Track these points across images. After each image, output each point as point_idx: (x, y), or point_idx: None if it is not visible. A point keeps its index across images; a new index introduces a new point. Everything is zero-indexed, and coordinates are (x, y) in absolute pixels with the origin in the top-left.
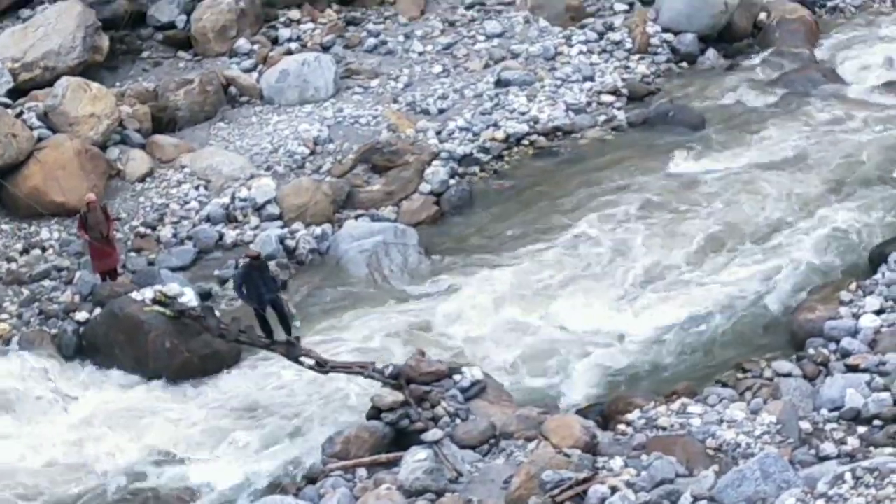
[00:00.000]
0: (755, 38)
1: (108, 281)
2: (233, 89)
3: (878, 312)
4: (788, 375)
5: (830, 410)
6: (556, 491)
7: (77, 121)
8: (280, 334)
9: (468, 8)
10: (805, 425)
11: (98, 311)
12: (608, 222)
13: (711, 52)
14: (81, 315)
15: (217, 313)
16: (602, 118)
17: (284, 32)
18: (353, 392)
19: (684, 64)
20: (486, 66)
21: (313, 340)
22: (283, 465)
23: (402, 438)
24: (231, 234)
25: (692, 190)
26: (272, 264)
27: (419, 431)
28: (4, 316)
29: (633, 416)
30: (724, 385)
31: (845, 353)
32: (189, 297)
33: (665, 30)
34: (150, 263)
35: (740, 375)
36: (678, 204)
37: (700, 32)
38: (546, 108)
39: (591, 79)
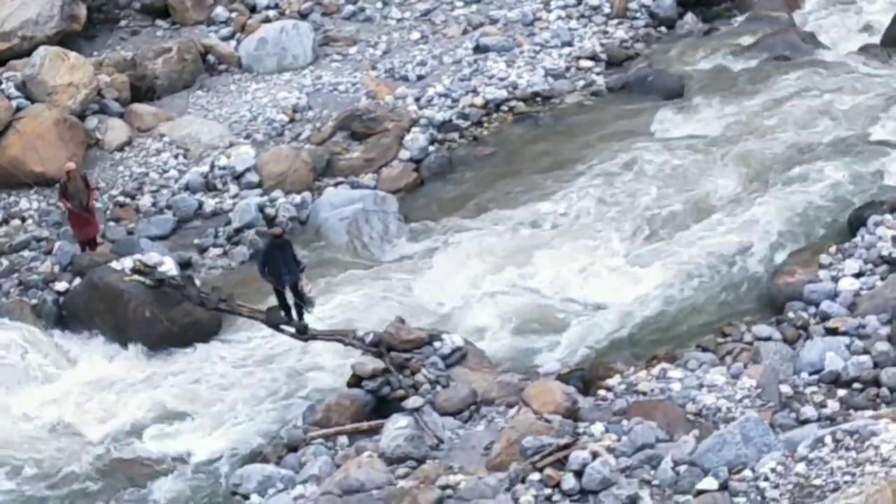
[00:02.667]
0: (734, 1)
1: (88, 250)
2: (211, 57)
3: (858, 275)
4: (768, 339)
5: (810, 374)
6: (536, 457)
7: (55, 90)
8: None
9: None
10: (785, 389)
11: (78, 281)
12: (587, 188)
13: (690, 17)
14: (61, 285)
15: (197, 282)
16: (581, 83)
17: (262, 0)
18: (334, 360)
19: (663, 28)
20: (465, 32)
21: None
22: (264, 433)
23: (383, 406)
24: (210, 203)
25: (672, 154)
26: (251, 232)
27: (400, 399)
28: None
29: (614, 381)
30: (705, 350)
31: (825, 317)
32: (169, 266)
33: None
34: (130, 233)
35: (720, 340)
36: (658, 169)
37: None
38: (525, 73)
39: (570, 44)
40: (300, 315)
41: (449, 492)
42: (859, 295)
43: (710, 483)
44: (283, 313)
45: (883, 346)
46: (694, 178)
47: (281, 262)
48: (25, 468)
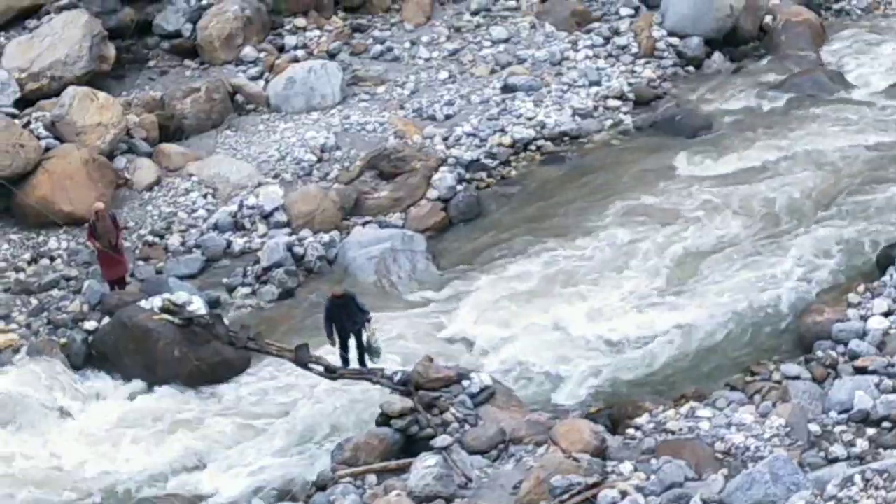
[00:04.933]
0: (761, 41)
1: (117, 290)
2: (239, 97)
3: (887, 314)
4: (797, 378)
5: (839, 413)
6: (565, 496)
7: (84, 130)
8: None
9: (474, 14)
10: (814, 428)
11: (107, 320)
12: (616, 227)
13: (717, 56)
14: (90, 324)
15: (226, 321)
16: (609, 122)
17: (291, 40)
18: (363, 399)
19: (690, 68)
20: (493, 71)
21: (322, 348)
22: (293, 472)
23: (412, 445)
24: (239, 242)
25: (700, 193)
26: (280, 272)
27: (428, 437)
28: (13, 326)
29: (642, 420)
30: (733, 388)
31: (854, 356)
32: (198, 305)
33: (671, 34)
34: (159, 272)
35: (749, 378)
36: (686, 208)
37: (706, 36)
38: (553, 112)
39: (598, 83)
40: (360, 360)
41: None
42: (888, 334)
43: None
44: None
45: None
46: (722, 216)
47: (344, 319)
48: None
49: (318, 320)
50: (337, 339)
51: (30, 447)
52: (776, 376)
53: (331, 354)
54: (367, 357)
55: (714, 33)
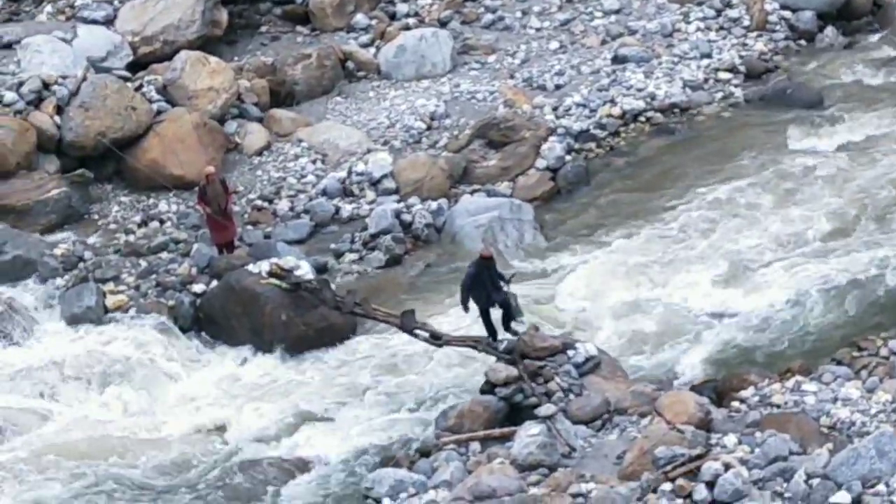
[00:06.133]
0: (875, 15)
1: (225, 253)
2: (350, 64)
3: None
4: None
5: None
6: (669, 467)
7: (196, 94)
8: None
9: None
10: None
11: (214, 283)
12: (724, 199)
13: (830, 30)
14: (198, 287)
15: (332, 286)
16: (719, 95)
17: (402, 7)
18: (467, 366)
19: (802, 41)
20: (604, 42)
21: (428, 314)
22: (397, 437)
23: (516, 413)
24: (347, 208)
25: (809, 167)
26: (387, 238)
27: (533, 406)
28: (122, 287)
29: (748, 393)
30: (839, 363)
31: None
32: (305, 270)
33: (783, 7)
34: (267, 236)
35: (856, 353)
36: (794, 181)
37: (818, 10)
38: (663, 84)
39: (709, 56)
40: (506, 326)
41: (580, 500)
42: None
43: (843, 497)
44: (489, 335)
45: None
46: (831, 190)
47: (489, 283)
48: (159, 467)
49: (426, 288)
50: (476, 306)
51: (137, 408)
52: (883, 352)
53: (436, 320)
54: (512, 320)
55: (827, 7)
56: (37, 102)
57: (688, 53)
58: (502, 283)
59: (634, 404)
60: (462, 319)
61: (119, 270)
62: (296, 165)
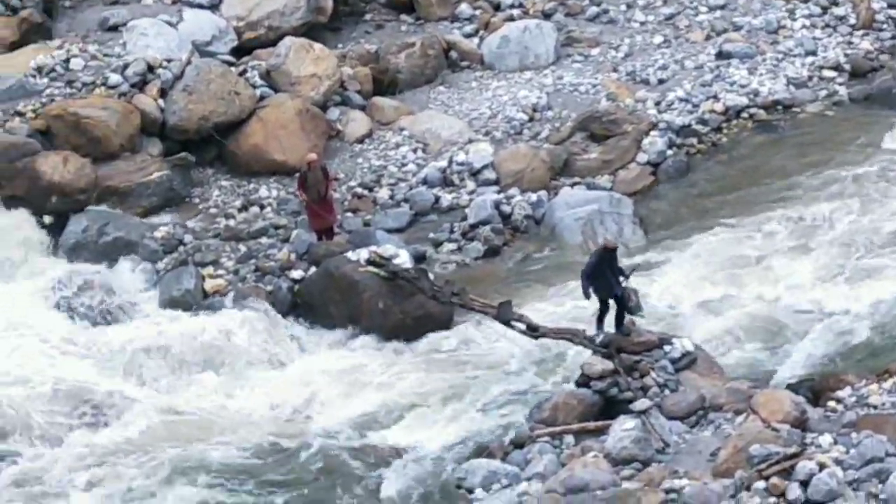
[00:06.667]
0: None
1: (324, 240)
2: (453, 54)
3: None
4: None
5: None
6: (763, 465)
7: (299, 81)
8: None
9: None
10: None
11: (313, 269)
12: (825, 197)
13: None
14: (297, 273)
15: (430, 276)
16: (823, 93)
17: None
18: (563, 359)
19: None
20: (708, 37)
21: (526, 306)
22: (491, 428)
23: (611, 407)
24: (447, 198)
25: None
26: (486, 229)
27: (628, 401)
28: (221, 271)
29: (844, 393)
30: None
31: None
32: (404, 259)
33: (890, 6)
34: (367, 224)
35: None
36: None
37: None
38: (767, 81)
39: (814, 53)
40: (619, 323)
41: (673, 496)
42: None
43: None
44: (601, 325)
45: None
46: None
47: (609, 274)
48: (254, 450)
49: (525, 279)
50: (595, 298)
51: (240, 393)
52: None
53: (533, 312)
54: (632, 315)
55: None
56: (141, 85)
57: (792, 50)
58: (622, 278)
59: (730, 401)
60: (557, 311)
61: (218, 255)
62: (397, 154)
